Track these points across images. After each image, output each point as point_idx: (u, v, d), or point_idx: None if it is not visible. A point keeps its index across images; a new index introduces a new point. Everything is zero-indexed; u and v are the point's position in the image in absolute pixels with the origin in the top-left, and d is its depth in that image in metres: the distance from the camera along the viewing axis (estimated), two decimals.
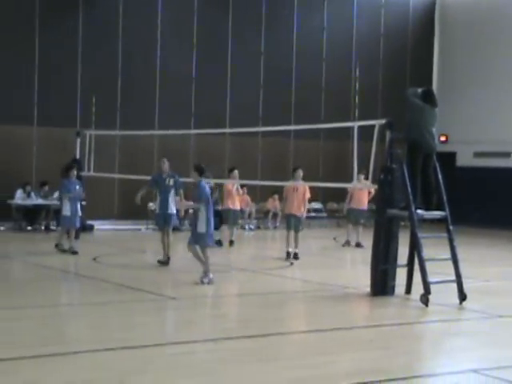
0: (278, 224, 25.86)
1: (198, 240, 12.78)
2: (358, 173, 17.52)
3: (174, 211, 15.59)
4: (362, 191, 19.67)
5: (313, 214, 27.47)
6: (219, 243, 18.26)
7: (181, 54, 25.68)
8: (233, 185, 19.05)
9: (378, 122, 12.59)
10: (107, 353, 7.76)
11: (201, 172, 12.98)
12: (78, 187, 17.02)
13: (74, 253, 16.02)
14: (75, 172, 17.24)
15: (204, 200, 12.71)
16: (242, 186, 24.52)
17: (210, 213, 12.82)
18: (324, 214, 27.73)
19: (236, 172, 18.89)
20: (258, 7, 27.08)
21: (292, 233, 16.93)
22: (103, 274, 13.52)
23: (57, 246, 16.76)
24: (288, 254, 16.87)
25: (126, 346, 7.99)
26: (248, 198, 25.50)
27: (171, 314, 10.19)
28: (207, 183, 13.82)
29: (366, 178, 15.90)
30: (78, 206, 16.91)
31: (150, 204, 24.45)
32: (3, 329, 8.72)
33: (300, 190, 16.97)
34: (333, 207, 27.27)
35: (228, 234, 19.10)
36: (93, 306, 10.88)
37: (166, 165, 15.58)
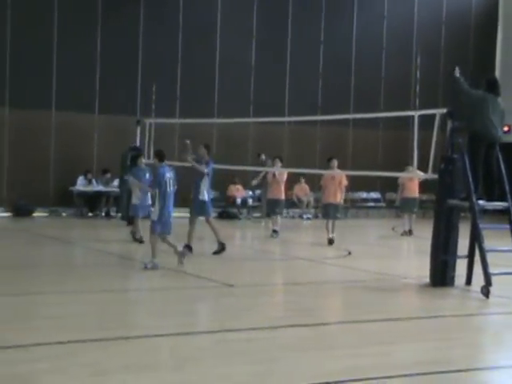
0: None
1: (153, 226, 12.67)
2: (407, 163, 17.88)
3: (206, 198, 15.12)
4: (412, 180, 19.88)
5: (371, 204, 27.32)
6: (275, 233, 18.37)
7: (240, 42, 25.72)
8: (280, 174, 18.77)
9: (438, 111, 12.41)
10: (167, 338, 7.84)
11: (161, 158, 12.96)
12: (147, 175, 16.35)
13: (141, 241, 15.89)
14: (143, 160, 16.86)
15: (160, 186, 12.52)
16: (301, 175, 24.50)
17: (166, 200, 12.59)
18: (383, 204, 27.53)
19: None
20: None
21: (330, 221, 17.43)
22: (163, 260, 13.63)
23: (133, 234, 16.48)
24: (330, 240, 17.26)
25: (185, 331, 8.06)
26: (306, 188, 25.47)
27: (229, 301, 10.22)
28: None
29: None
30: (148, 194, 16.06)
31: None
32: (67, 313, 8.87)
33: (336, 178, 17.43)
34: (391, 197, 27.08)
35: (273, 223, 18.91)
36: (153, 291, 11.00)
37: (202, 151, 15.20)
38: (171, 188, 12.81)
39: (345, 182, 17.61)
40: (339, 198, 17.51)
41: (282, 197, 18.95)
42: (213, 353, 7.27)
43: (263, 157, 22.77)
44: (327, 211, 17.58)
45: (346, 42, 27.56)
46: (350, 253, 16.04)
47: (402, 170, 19.66)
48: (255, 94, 26.00)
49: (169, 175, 12.78)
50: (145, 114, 22.51)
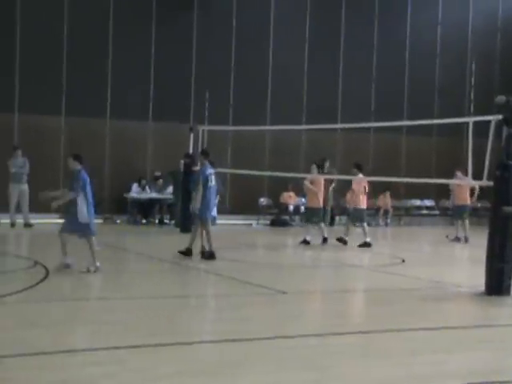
0: (388, 221, 25.59)
1: (81, 229, 12.69)
2: (457, 169, 18.06)
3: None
4: (461, 187, 19.73)
5: (425, 212, 27.06)
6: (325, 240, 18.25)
7: (293, 47, 25.74)
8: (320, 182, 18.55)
9: (494, 118, 12.24)
10: (218, 344, 7.86)
11: (80, 160, 13.31)
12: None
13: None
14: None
15: (83, 189, 12.68)
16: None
17: (90, 201, 12.87)
18: (436, 212, 27.25)
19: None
20: (371, 0, 26.87)
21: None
22: (215, 267, 13.70)
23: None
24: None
25: (236, 338, 8.06)
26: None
27: (282, 307, 10.21)
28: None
29: (466, 175, 15.61)
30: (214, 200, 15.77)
31: (261, 199, 24.69)
32: (121, 318, 8.95)
33: (362, 184, 18.26)
34: (445, 204, 26.79)
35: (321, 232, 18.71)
36: (204, 297, 11.05)
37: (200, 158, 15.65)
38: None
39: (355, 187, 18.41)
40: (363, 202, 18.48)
41: (320, 205, 18.57)
42: (265, 359, 7.26)
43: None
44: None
45: (400, 47, 27.38)
46: (403, 260, 15.89)
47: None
48: (308, 100, 25.97)
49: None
50: (198, 121, 22.66)
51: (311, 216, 18.54)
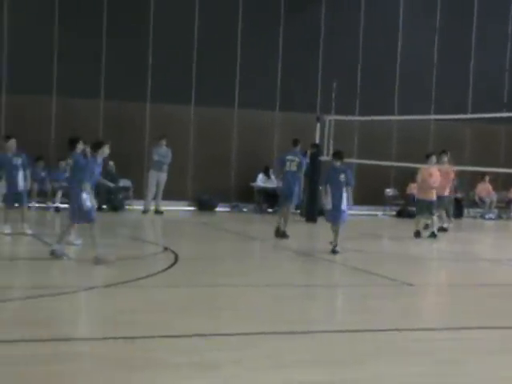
0: None
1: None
2: None
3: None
4: None
5: None
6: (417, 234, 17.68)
7: (423, 38, 25.31)
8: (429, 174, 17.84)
9: None
10: (344, 334, 7.87)
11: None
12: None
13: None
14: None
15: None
16: (484, 174, 23.71)
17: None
18: None
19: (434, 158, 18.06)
20: None
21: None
22: (339, 257, 13.69)
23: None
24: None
25: (360, 328, 8.06)
26: (489, 187, 24.74)
27: (407, 300, 10.10)
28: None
29: None
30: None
31: (388, 190, 24.47)
32: (247, 304, 9.10)
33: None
34: None
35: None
36: (329, 287, 11.07)
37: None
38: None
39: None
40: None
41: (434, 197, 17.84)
42: (391, 351, 7.22)
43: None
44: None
45: None
46: None
47: None
48: (436, 91, 25.49)
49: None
50: (324, 111, 22.63)
51: (426, 208, 17.96)
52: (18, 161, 15.00)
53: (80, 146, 13.17)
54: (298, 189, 16.62)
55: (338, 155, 14.42)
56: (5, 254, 12.86)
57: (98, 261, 11.43)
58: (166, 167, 21.62)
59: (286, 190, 16.47)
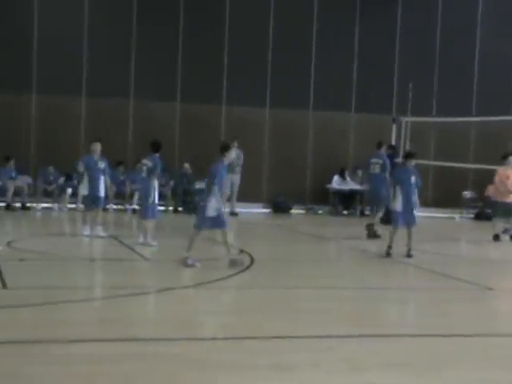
0: None
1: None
2: None
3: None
4: None
5: None
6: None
7: (502, 36, 24.81)
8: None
9: None
10: (420, 338, 7.76)
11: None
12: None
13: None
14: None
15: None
16: None
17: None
18: None
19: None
20: None
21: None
22: (416, 259, 13.51)
23: (368, 226, 16.74)
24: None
25: (438, 333, 7.93)
26: None
27: (487, 304, 9.90)
28: None
29: None
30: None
31: (465, 192, 24.06)
32: (323, 307, 9.05)
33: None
34: None
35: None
36: (405, 290, 10.92)
37: None
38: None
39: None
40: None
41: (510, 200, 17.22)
42: (471, 356, 7.08)
43: None
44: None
45: None
46: None
47: None
48: None
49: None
50: (400, 112, 22.39)
51: (502, 211, 17.46)
52: (102, 165, 15.18)
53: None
54: (386, 190, 16.40)
55: (411, 156, 14.19)
56: (85, 255, 13.11)
57: (232, 263, 11.51)
58: (238, 169, 21.72)
59: (371, 193, 17.02)
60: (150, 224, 13.79)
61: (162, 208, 21.41)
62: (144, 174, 13.87)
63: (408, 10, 24.33)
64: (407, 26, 24.28)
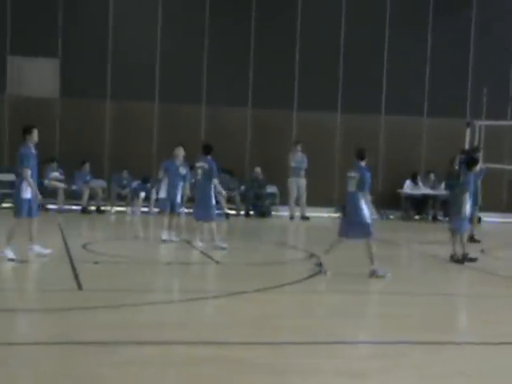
0: None
1: None
2: None
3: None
4: None
5: None
6: None
7: None
8: None
9: None
10: (492, 347, 7.64)
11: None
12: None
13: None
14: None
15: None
16: None
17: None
18: None
19: None
20: None
21: None
22: (490, 265, 13.29)
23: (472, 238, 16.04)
24: None
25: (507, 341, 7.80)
26: None
27: None
28: None
29: None
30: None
31: None
32: (394, 313, 8.99)
33: None
34: None
35: None
36: (478, 297, 10.75)
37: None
38: None
39: None
40: None
41: None
42: None
43: None
44: None
45: None
46: None
47: None
48: None
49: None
50: (475, 117, 22.03)
51: None
52: (184, 171, 15.18)
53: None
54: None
55: (477, 161, 14.00)
56: (157, 259, 13.30)
57: (373, 273, 11.46)
58: (303, 173, 21.70)
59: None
60: (213, 225, 14.00)
61: (232, 212, 21.66)
62: (200, 177, 14.13)
63: (482, 11, 23.96)
64: (481, 30, 23.90)
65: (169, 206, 14.99)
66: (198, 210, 14.36)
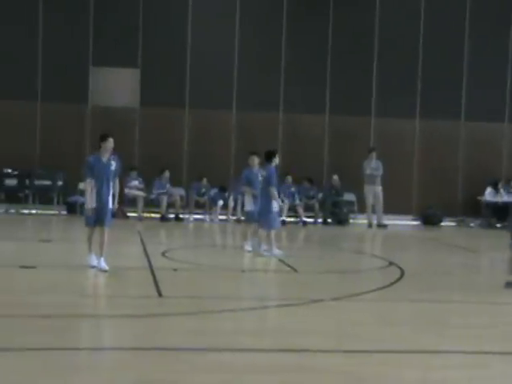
0: None
1: None
2: None
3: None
4: None
5: None
6: None
7: None
8: None
9: None
10: None
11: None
12: None
13: None
14: None
15: None
16: None
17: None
18: None
19: None
20: None
21: None
22: None
23: None
24: None
25: None
26: None
27: None
28: None
29: None
30: None
31: None
32: (473, 323, 8.84)
33: None
34: None
35: None
36: None
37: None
38: None
39: None
40: None
41: None
42: None
43: None
44: None
45: None
46: None
47: None
48: None
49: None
50: None
51: None
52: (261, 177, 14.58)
53: (276, 160, 13.86)
54: None
55: None
56: (235, 266, 13.36)
57: (508, 285, 11.22)
58: (379, 180, 21.50)
59: None
60: (271, 234, 13.91)
61: (310, 220, 21.64)
62: (260, 185, 14.07)
63: None
64: None
65: (256, 217, 14.41)
66: (260, 218, 14.21)
